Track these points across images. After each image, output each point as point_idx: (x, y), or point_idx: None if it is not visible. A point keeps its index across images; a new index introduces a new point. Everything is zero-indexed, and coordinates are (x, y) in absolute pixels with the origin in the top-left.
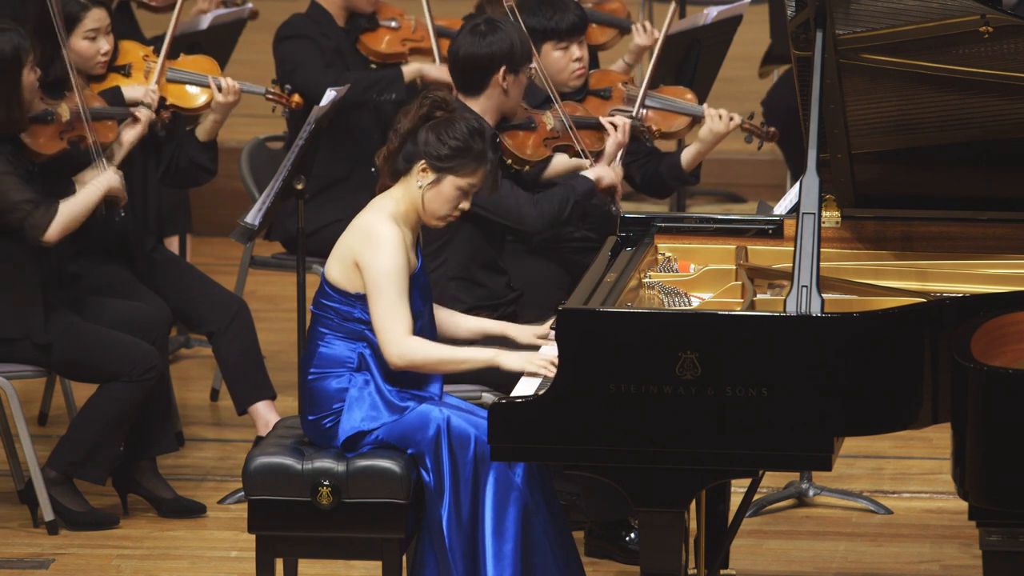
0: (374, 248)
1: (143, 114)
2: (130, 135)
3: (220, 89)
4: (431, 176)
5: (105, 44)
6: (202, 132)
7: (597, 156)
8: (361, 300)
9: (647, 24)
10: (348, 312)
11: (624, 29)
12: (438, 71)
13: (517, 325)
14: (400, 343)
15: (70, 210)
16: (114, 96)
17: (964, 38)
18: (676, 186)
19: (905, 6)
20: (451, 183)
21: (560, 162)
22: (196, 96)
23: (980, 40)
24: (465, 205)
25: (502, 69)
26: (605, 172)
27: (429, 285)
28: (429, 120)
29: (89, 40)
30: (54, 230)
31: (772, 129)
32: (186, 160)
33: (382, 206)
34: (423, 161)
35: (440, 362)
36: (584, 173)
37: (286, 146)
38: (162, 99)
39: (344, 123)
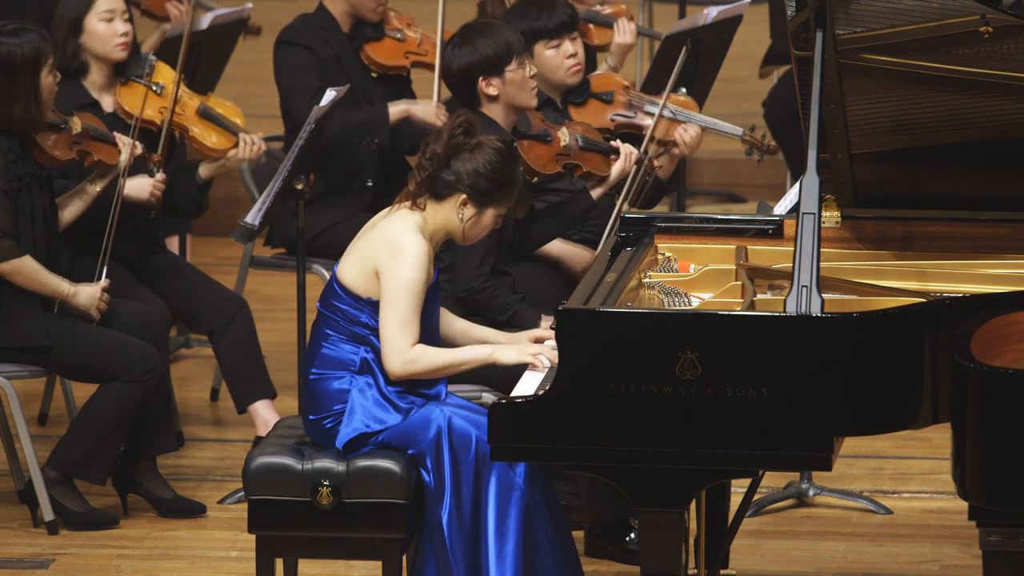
0: (399, 258)
1: (125, 146)
2: (120, 159)
3: (246, 144)
4: (473, 210)
5: (122, 26)
6: (206, 171)
7: (601, 180)
8: (370, 306)
9: (626, 22)
10: (355, 316)
11: None
12: (424, 111)
13: (511, 333)
14: (403, 354)
15: (30, 269)
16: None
17: (964, 38)
18: (659, 196)
19: (905, 6)
20: (492, 213)
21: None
22: (219, 141)
23: (980, 40)
24: (499, 225)
25: (480, 78)
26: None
27: (439, 297)
28: (461, 148)
29: (106, 22)
30: (3, 268)
31: (773, 143)
32: (182, 192)
33: (410, 218)
34: (464, 196)
35: (441, 367)
36: (544, 319)
37: (286, 146)
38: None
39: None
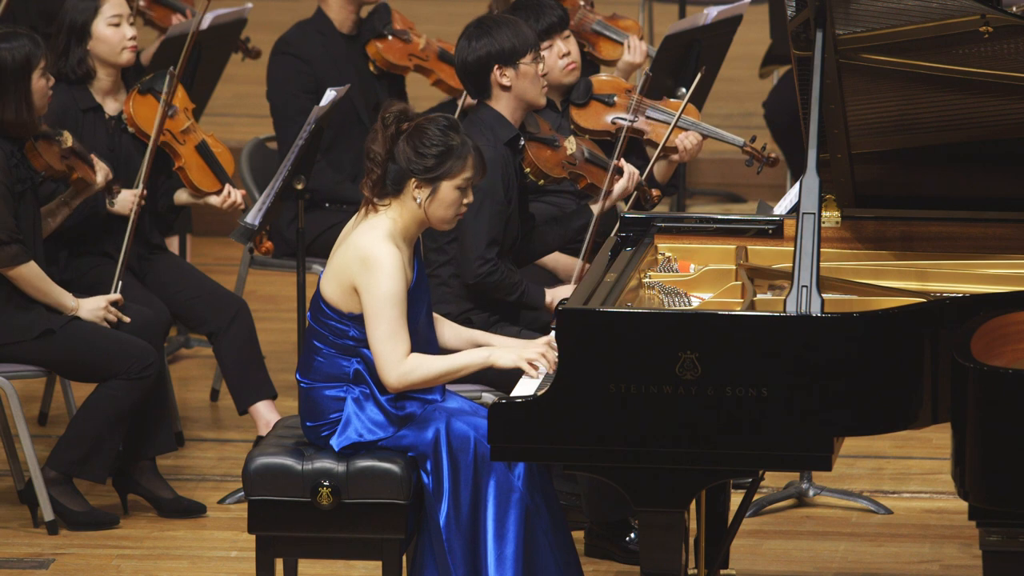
0: (373, 272)
1: (101, 170)
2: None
3: (228, 195)
4: (427, 190)
5: (130, 30)
6: (182, 199)
7: (604, 195)
8: (355, 320)
9: (637, 41)
10: (343, 331)
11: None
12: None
13: (504, 338)
14: (398, 366)
15: (36, 277)
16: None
17: (964, 38)
18: (657, 201)
19: (905, 6)
20: (448, 187)
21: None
22: (204, 181)
23: (980, 40)
24: (468, 199)
25: (495, 68)
26: (560, 296)
27: (428, 293)
28: (399, 136)
29: (113, 27)
30: (9, 272)
31: (773, 155)
32: (161, 205)
33: (379, 224)
34: (413, 179)
35: (439, 376)
36: (546, 289)
37: (280, 152)
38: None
39: (336, 139)
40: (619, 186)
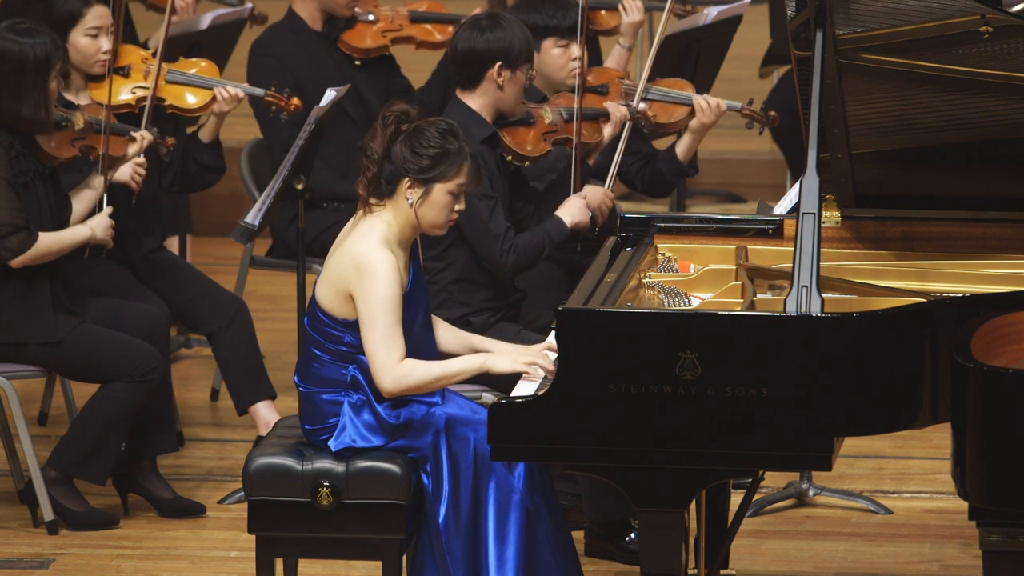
0: (368, 277)
1: (140, 138)
2: (128, 151)
3: (224, 96)
4: (419, 191)
5: (106, 43)
6: (206, 133)
7: (596, 147)
8: (349, 327)
9: (630, 1)
10: (338, 337)
11: None
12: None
13: (502, 343)
14: (393, 371)
15: (47, 245)
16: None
17: (964, 38)
18: (677, 180)
19: (905, 6)
20: (440, 191)
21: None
22: (197, 100)
23: (980, 40)
24: (460, 206)
25: (497, 65)
26: (578, 213)
27: (426, 296)
28: (397, 136)
29: (90, 37)
30: (23, 259)
31: (772, 114)
32: (194, 165)
33: (374, 229)
34: (407, 179)
35: (434, 380)
36: (559, 214)
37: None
38: (162, 108)
39: (333, 137)
40: (607, 130)
